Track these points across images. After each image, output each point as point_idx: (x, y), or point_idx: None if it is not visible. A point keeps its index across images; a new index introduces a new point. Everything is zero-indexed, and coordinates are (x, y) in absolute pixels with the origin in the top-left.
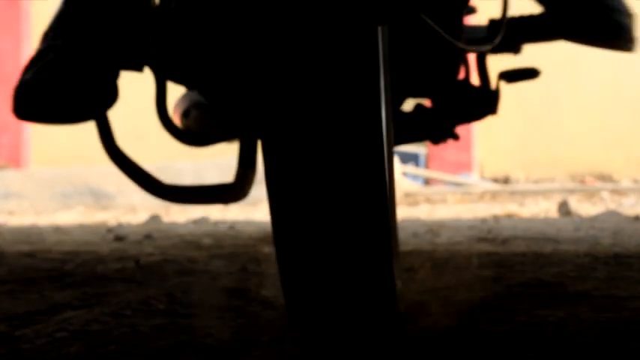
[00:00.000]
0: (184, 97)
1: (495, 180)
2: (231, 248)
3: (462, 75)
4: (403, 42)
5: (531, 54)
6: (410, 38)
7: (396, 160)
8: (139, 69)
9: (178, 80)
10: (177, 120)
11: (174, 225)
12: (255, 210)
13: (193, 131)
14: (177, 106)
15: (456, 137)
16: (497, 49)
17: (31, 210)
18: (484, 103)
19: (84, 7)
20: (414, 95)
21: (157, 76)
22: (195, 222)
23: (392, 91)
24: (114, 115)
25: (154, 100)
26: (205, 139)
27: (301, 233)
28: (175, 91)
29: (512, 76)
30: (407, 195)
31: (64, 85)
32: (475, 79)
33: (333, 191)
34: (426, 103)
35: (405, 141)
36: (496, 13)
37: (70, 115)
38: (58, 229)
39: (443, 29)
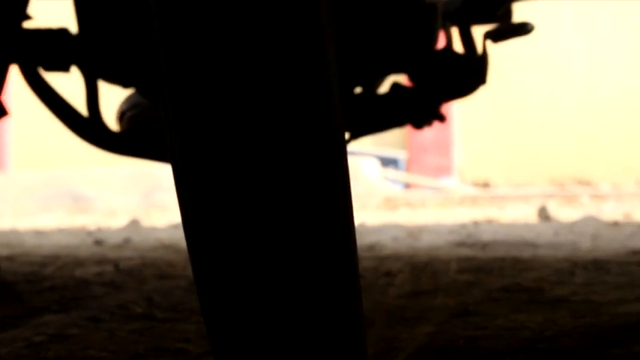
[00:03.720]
0: (126, 99)
1: (475, 184)
2: None
3: (442, 44)
4: (363, 3)
5: (509, 58)
6: None
7: (377, 164)
8: (65, 69)
9: (111, 78)
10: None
11: (153, 229)
12: None
13: (127, 134)
14: (118, 109)
15: (441, 118)
16: (481, 17)
17: (10, 213)
18: (471, 73)
19: None
20: (387, 71)
21: (87, 75)
22: (176, 226)
23: (358, 69)
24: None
25: (85, 101)
26: (134, 148)
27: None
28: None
29: (500, 34)
30: (387, 199)
31: None
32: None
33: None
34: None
35: (383, 127)
36: None
37: None
38: (37, 233)
39: None
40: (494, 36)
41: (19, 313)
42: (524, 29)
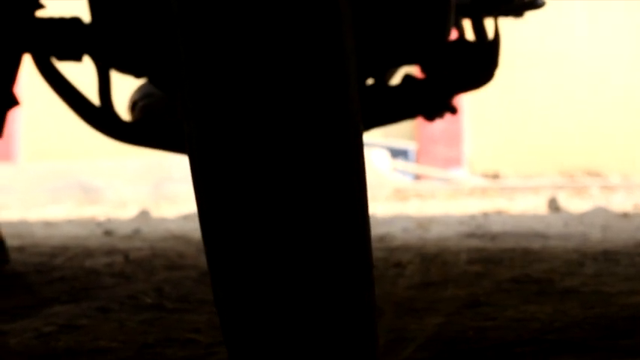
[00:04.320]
0: (138, 89)
1: (485, 175)
2: None
3: (454, 36)
4: None
5: (519, 50)
6: None
7: (386, 156)
8: (78, 58)
9: (123, 68)
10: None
11: (163, 220)
12: None
13: (139, 124)
14: (130, 99)
15: (453, 110)
16: (493, 9)
17: (20, 204)
18: (483, 65)
19: None
20: (399, 63)
21: (99, 65)
22: (185, 217)
23: (370, 60)
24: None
25: (97, 91)
26: (145, 138)
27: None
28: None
29: (511, 10)
30: (396, 190)
31: None
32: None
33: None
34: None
35: (395, 119)
36: None
37: None
38: (47, 224)
39: None
40: (506, 12)
41: (29, 303)
42: (534, 4)
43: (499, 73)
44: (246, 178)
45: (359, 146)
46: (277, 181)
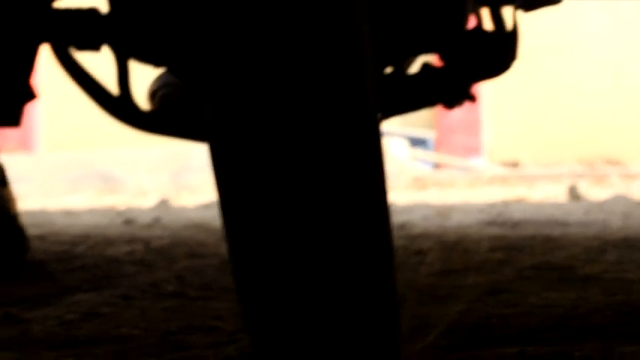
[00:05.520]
0: (157, 79)
1: (504, 164)
2: None
3: (472, 24)
4: None
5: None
6: None
7: (405, 145)
8: (96, 48)
9: (141, 57)
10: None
11: (183, 209)
12: None
13: (158, 113)
14: (149, 88)
15: (472, 98)
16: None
17: (40, 194)
18: (502, 53)
19: None
20: (418, 51)
21: (118, 54)
22: (206, 206)
23: (389, 49)
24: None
25: (116, 81)
26: (165, 127)
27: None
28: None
29: (530, 3)
30: (415, 179)
31: None
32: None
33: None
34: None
35: (413, 107)
36: None
37: None
38: (67, 213)
39: None
40: (525, 5)
41: (50, 291)
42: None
43: (518, 61)
44: (267, 167)
45: (377, 133)
46: (298, 170)
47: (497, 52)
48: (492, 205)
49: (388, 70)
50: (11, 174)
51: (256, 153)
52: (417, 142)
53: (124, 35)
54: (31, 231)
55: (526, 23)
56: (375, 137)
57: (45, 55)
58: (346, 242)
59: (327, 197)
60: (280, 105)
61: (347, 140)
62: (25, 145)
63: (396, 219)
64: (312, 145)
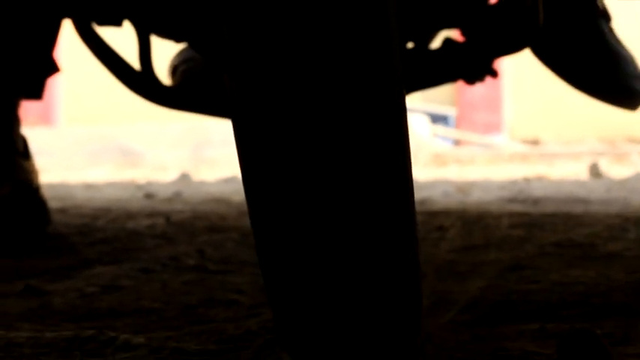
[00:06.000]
0: (178, 54)
1: (525, 141)
2: None
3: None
4: None
5: None
6: None
7: (426, 121)
8: (118, 23)
9: (163, 33)
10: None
11: (203, 183)
12: None
13: (179, 88)
14: (170, 63)
15: (493, 73)
16: None
17: (60, 167)
18: (523, 28)
19: None
20: (440, 26)
21: (139, 29)
22: (226, 181)
23: (411, 24)
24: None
25: (138, 56)
26: (186, 102)
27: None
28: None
29: None
30: (436, 156)
31: None
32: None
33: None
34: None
35: (435, 82)
36: None
37: None
38: (88, 186)
39: None
40: None
41: (71, 264)
42: None
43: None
44: (290, 141)
45: (402, 107)
46: (323, 141)
47: (519, 27)
48: (513, 182)
49: (410, 45)
50: (32, 147)
51: (279, 128)
52: (437, 119)
53: (146, 10)
54: (52, 204)
55: None
56: (401, 110)
57: (66, 30)
58: (369, 214)
59: (353, 172)
60: (304, 78)
61: (373, 115)
62: (46, 119)
63: (416, 195)
64: (338, 121)
